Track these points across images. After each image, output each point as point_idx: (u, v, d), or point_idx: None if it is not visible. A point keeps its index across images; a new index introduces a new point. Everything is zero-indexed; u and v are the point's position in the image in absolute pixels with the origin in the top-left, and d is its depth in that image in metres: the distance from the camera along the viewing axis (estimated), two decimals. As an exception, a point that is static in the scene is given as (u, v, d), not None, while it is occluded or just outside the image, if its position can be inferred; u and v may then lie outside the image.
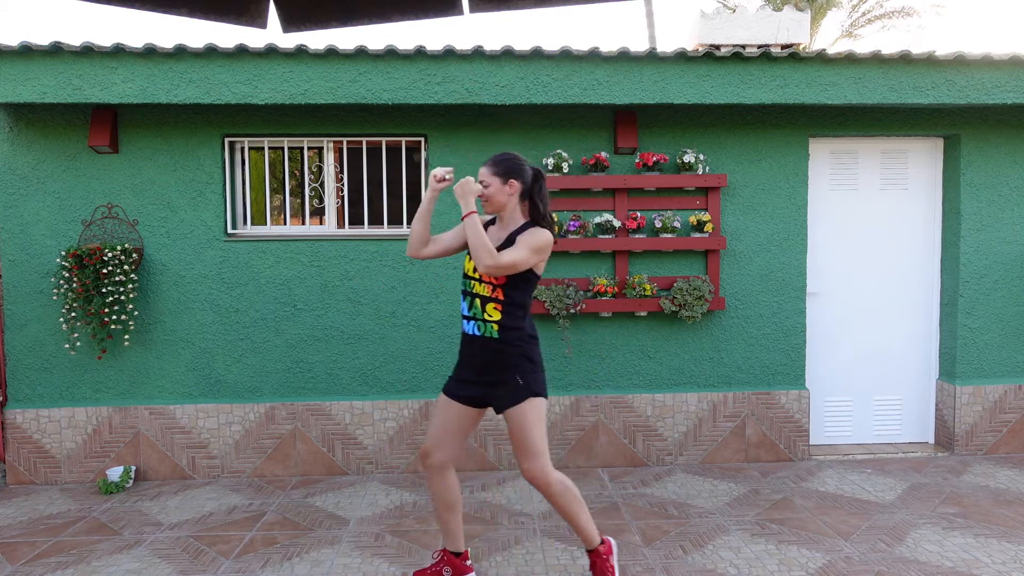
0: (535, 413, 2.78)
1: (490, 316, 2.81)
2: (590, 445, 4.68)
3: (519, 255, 2.71)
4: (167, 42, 6.45)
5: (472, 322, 2.84)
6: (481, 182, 2.83)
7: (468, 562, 3.04)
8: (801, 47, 6.37)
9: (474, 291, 2.83)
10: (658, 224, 4.57)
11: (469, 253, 2.77)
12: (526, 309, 2.87)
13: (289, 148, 4.73)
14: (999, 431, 4.83)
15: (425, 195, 2.88)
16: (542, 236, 2.77)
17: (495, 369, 2.81)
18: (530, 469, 2.76)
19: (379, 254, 4.59)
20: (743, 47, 5.60)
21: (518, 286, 2.81)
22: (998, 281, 4.80)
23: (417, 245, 2.92)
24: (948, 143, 4.88)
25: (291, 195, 4.82)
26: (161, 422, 4.52)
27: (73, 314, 4.29)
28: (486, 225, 2.95)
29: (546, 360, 4.64)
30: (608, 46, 4.88)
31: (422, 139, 4.68)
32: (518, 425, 2.76)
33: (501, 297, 2.79)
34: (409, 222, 4.77)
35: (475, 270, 2.81)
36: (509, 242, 2.80)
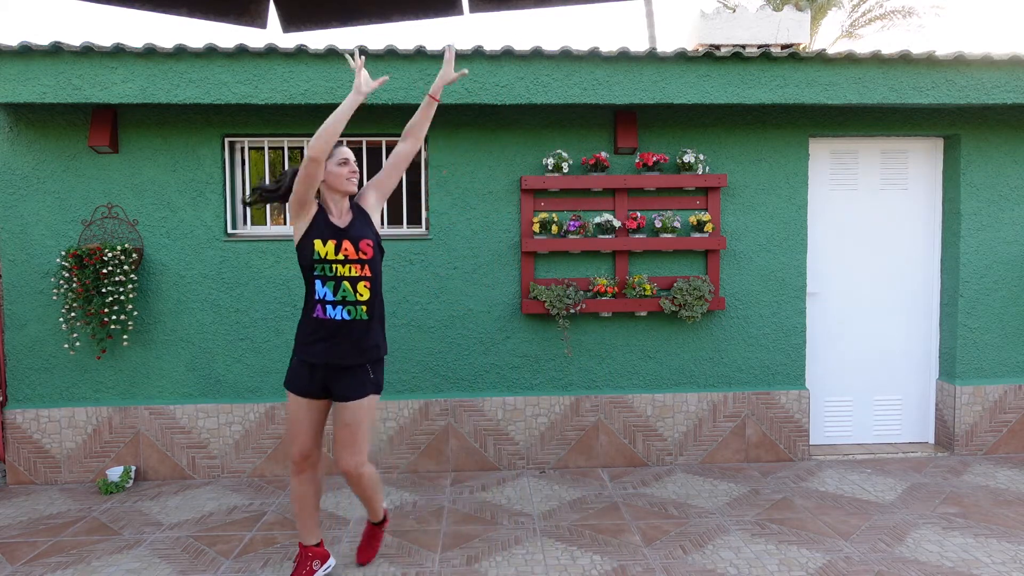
0: (373, 409, 2.91)
1: (361, 296, 2.81)
2: (590, 445, 4.68)
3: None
4: (167, 42, 6.45)
5: (340, 307, 2.79)
6: (351, 159, 2.88)
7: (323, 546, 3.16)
8: (801, 47, 6.37)
9: (339, 274, 2.79)
10: (658, 224, 4.57)
11: (316, 239, 2.77)
12: (381, 285, 2.93)
13: (289, 148, 4.73)
14: (999, 431, 4.83)
15: (349, 102, 2.73)
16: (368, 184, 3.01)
17: (352, 354, 2.82)
18: (353, 463, 2.85)
19: (379, 254, 4.58)
20: (743, 47, 5.60)
21: (378, 257, 2.88)
22: (998, 281, 4.80)
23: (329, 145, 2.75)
24: (948, 143, 4.88)
25: (291, 195, 4.81)
26: (161, 422, 4.52)
27: (73, 314, 4.29)
28: (320, 217, 2.86)
29: (546, 360, 4.66)
30: (608, 46, 4.89)
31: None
32: (354, 418, 2.83)
33: (369, 274, 2.83)
34: (409, 222, 4.77)
35: (338, 251, 2.78)
36: (360, 215, 2.89)
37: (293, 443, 2.91)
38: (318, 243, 2.78)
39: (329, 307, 2.79)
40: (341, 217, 2.86)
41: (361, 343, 2.84)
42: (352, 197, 2.93)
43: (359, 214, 2.90)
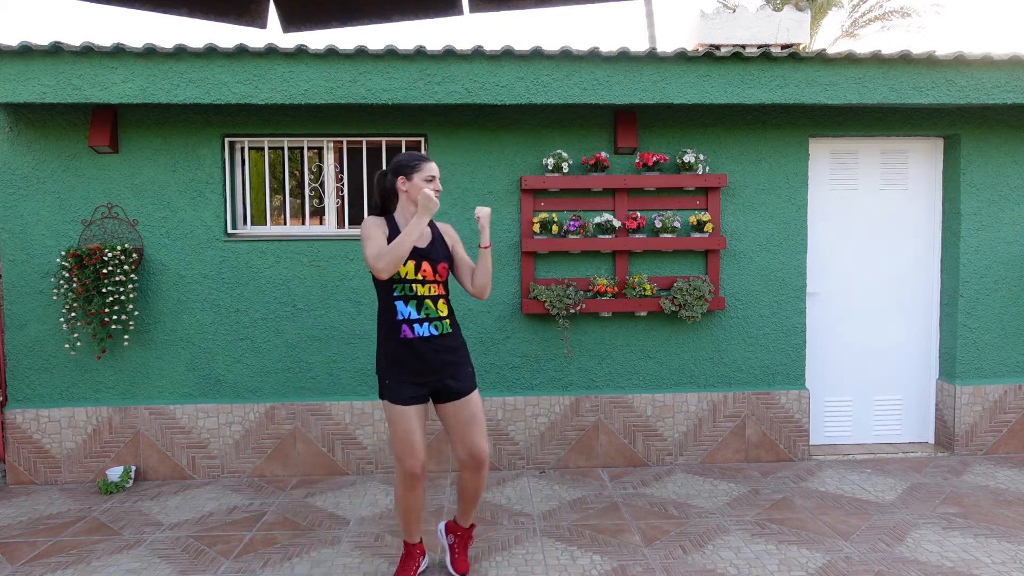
0: (479, 399, 3.01)
1: (442, 312, 2.94)
2: (590, 445, 4.68)
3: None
4: (167, 42, 6.45)
5: (427, 324, 2.88)
6: (436, 177, 2.93)
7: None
8: (801, 47, 6.37)
9: (419, 293, 2.88)
10: (658, 224, 4.57)
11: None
12: None
13: (289, 148, 4.73)
14: (999, 431, 4.83)
15: (414, 226, 2.75)
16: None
17: (453, 361, 2.93)
18: (485, 446, 2.95)
19: (379, 254, 4.58)
20: (743, 47, 5.61)
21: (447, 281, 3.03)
22: (998, 281, 4.80)
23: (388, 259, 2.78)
24: (948, 143, 4.88)
25: (291, 195, 4.82)
26: (161, 422, 4.52)
27: (73, 314, 4.29)
28: (397, 229, 2.90)
29: (546, 360, 4.66)
30: (608, 46, 4.89)
31: (422, 139, 4.68)
32: (476, 407, 2.95)
33: (444, 293, 2.98)
34: (409, 222, 4.76)
35: (417, 272, 2.85)
36: (438, 239, 3.00)
37: (411, 456, 2.86)
38: (401, 266, 2.81)
39: (417, 325, 2.87)
40: (421, 237, 2.83)
41: (455, 351, 2.95)
42: (432, 223, 3.02)
43: (439, 238, 3.00)
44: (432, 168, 2.91)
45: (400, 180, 2.92)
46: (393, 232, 2.88)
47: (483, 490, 3.08)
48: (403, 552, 3.13)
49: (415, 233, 2.72)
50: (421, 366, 2.86)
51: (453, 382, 2.92)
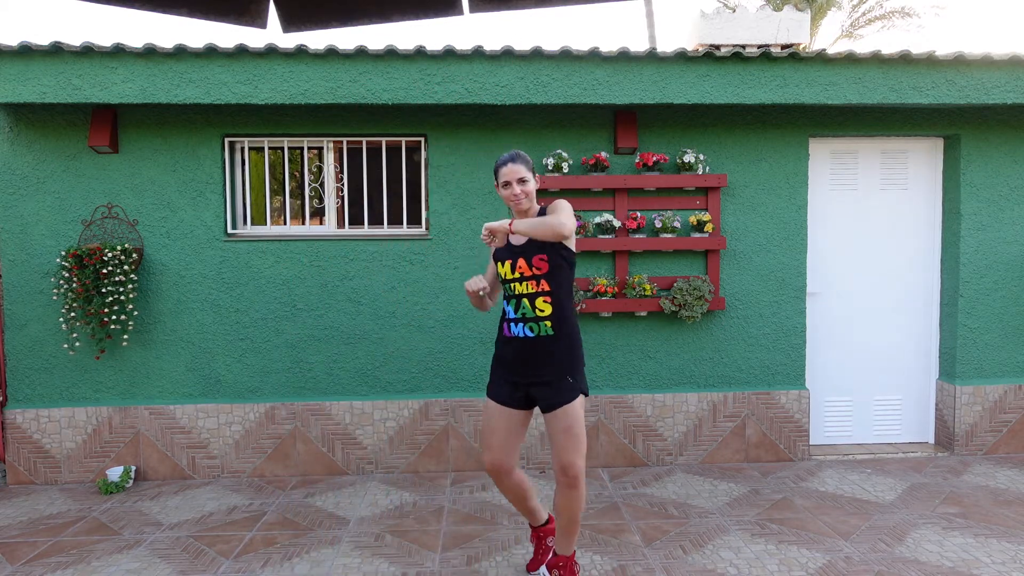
0: (582, 411, 2.80)
1: (541, 312, 2.77)
2: (590, 445, 4.68)
3: (565, 216, 2.68)
4: (167, 42, 6.45)
5: (521, 324, 2.79)
6: (523, 179, 2.82)
7: (551, 524, 3.14)
8: (801, 47, 6.37)
9: (517, 292, 2.79)
10: (658, 224, 4.57)
11: (498, 260, 2.85)
12: (572, 298, 2.86)
13: (289, 148, 4.73)
14: (999, 431, 4.83)
15: (473, 299, 2.85)
16: (560, 200, 2.80)
17: (548, 369, 2.77)
18: (577, 465, 2.73)
19: (379, 254, 4.59)
20: (743, 47, 5.61)
21: (562, 270, 2.79)
22: (998, 281, 4.80)
23: (484, 307, 2.91)
24: (948, 143, 4.88)
25: (291, 195, 4.82)
26: (161, 422, 4.52)
27: (73, 314, 4.29)
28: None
29: (546, 360, 4.64)
30: (608, 46, 4.89)
31: (422, 139, 4.68)
32: (566, 423, 2.73)
33: (548, 288, 2.76)
34: (409, 222, 4.77)
35: (514, 270, 2.79)
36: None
37: (486, 450, 2.88)
38: (499, 264, 2.85)
39: (512, 324, 2.82)
40: (517, 236, 2.85)
41: (553, 357, 2.78)
42: (543, 211, 2.88)
43: None
44: (503, 173, 2.82)
45: (496, 187, 2.93)
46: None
47: (575, 515, 2.82)
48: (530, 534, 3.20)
49: (474, 302, 2.83)
50: (514, 365, 2.82)
51: (543, 394, 2.78)
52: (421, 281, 4.60)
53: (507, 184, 2.82)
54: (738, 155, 4.69)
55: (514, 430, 2.87)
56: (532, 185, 2.86)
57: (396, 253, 4.59)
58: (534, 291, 2.77)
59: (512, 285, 2.81)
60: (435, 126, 4.58)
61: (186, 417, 4.53)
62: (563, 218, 2.64)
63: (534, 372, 2.78)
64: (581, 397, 2.81)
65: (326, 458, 4.59)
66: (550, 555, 3.08)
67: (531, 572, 3.13)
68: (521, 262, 2.78)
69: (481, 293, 2.79)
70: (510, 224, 2.70)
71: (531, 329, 2.77)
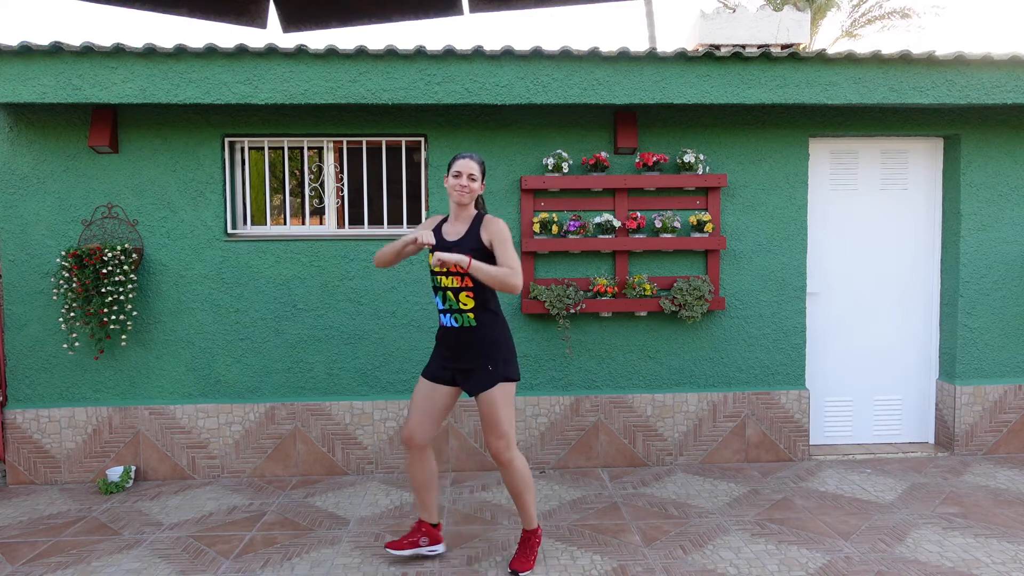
0: (504, 396, 3.03)
1: (465, 305, 3.03)
2: (590, 445, 4.68)
3: (516, 268, 2.96)
4: (167, 42, 6.45)
5: (448, 315, 3.06)
6: (472, 176, 3.04)
7: (441, 532, 3.35)
8: (801, 47, 6.37)
9: (443, 285, 3.03)
10: (658, 224, 4.57)
11: (431, 254, 2.96)
12: (495, 292, 3.11)
13: (289, 148, 4.73)
14: (999, 431, 4.83)
15: (397, 244, 3.03)
16: (503, 224, 3.05)
17: (471, 356, 3.04)
18: (496, 446, 3.02)
19: (379, 254, 4.58)
20: (743, 47, 5.61)
21: None
22: (998, 281, 4.80)
23: (384, 264, 3.14)
24: (948, 143, 4.88)
25: (291, 195, 4.82)
26: (161, 422, 4.52)
27: (72, 314, 4.29)
28: (439, 225, 3.17)
29: (546, 360, 4.65)
30: (608, 46, 4.89)
31: (422, 139, 4.68)
32: (489, 407, 3.01)
33: (471, 284, 3.01)
34: (409, 222, 4.77)
35: (442, 265, 2.96)
36: (471, 234, 3.04)
37: (404, 425, 3.12)
38: (430, 258, 2.96)
39: (443, 316, 3.08)
40: (454, 229, 3.09)
41: (475, 346, 3.04)
42: (478, 224, 3.07)
43: (474, 232, 3.05)
44: (459, 164, 3.03)
45: (445, 178, 3.14)
46: (439, 226, 3.15)
47: (518, 491, 3.09)
48: (413, 527, 3.32)
49: (396, 246, 3.02)
50: (444, 352, 3.11)
51: (466, 380, 3.07)
52: (421, 281, 4.60)
53: (458, 175, 3.02)
54: (738, 155, 4.69)
55: (434, 406, 3.11)
56: (478, 187, 3.07)
57: (396, 253, 4.59)
58: (458, 286, 3.01)
59: (439, 278, 3.04)
60: (435, 126, 4.58)
61: (186, 417, 4.53)
62: (515, 278, 2.92)
63: (460, 359, 3.06)
64: (503, 384, 3.03)
65: (326, 458, 4.60)
66: (421, 539, 3.28)
67: (395, 550, 3.24)
68: None
69: (415, 251, 3.03)
70: (468, 264, 2.88)
71: (456, 320, 3.04)
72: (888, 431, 5.02)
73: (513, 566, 3.14)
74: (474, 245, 3.00)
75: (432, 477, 3.22)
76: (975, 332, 4.80)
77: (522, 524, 3.27)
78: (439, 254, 2.88)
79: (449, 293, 3.02)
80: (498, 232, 3.00)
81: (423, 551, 3.27)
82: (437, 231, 3.13)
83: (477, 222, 3.08)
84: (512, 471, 3.05)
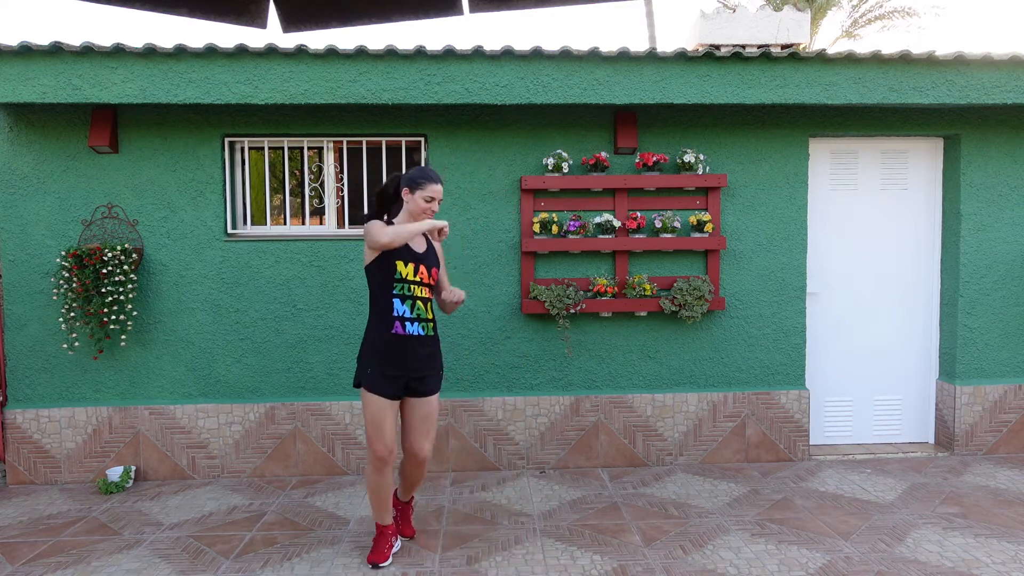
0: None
1: (429, 316, 3.22)
2: (590, 445, 4.68)
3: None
4: (167, 42, 6.45)
5: (417, 323, 3.15)
6: (439, 201, 3.22)
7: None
8: (801, 47, 6.37)
9: (415, 295, 3.15)
10: (658, 224, 4.57)
11: (399, 259, 3.10)
12: None
13: (289, 148, 4.73)
14: (999, 431, 4.83)
15: (418, 226, 3.08)
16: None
17: (432, 364, 3.22)
18: (429, 449, 3.26)
19: (379, 254, 4.58)
20: (743, 47, 5.61)
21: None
22: (998, 281, 4.80)
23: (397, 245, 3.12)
24: (948, 143, 4.88)
25: (291, 195, 4.82)
26: (161, 422, 4.52)
27: (72, 314, 4.29)
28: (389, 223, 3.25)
29: (546, 360, 4.66)
30: (608, 46, 4.89)
31: (422, 139, 4.68)
32: (431, 410, 3.24)
33: (431, 296, 3.25)
34: (409, 222, 4.76)
35: (415, 274, 3.14)
36: (431, 248, 3.29)
37: (379, 441, 3.12)
38: (400, 264, 3.10)
39: (408, 324, 3.13)
40: (417, 244, 3.21)
41: (435, 354, 3.25)
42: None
43: (431, 248, 3.28)
44: (434, 190, 3.15)
45: (405, 190, 3.18)
46: None
47: (422, 480, 3.42)
48: (376, 533, 3.33)
49: (416, 230, 3.03)
50: (403, 361, 3.12)
51: (421, 384, 3.20)
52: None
53: (431, 199, 3.16)
54: (738, 155, 4.69)
55: (396, 419, 3.22)
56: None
57: (396, 253, 4.59)
58: (427, 296, 3.20)
59: (411, 286, 3.14)
60: (435, 126, 4.58)
61: (186, 417, 4.53)
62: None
63: (421, 366, 3.17)
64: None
65: (326, 458, 4.60)
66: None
67: (380, 563, 3.27)
68: (423, 269, 3.17)
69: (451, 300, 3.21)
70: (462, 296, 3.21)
71: (423, 328, 3.17)
72: (888, 431, 5.02)
73: (407, 533, 3.49)
74: (437, 260, 3.27)
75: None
76: (975, 332, 4.80)
77: (403, 498, 3.49)
78: (462, 294, 3.19)
79: (419, 303, 3.15)
80: (441, 249, 3.35)
81: (396, 548, 3.37)
82: (405, 248, 3.15)
83: (428, 239, 3.28)
84: (426, 467, 3.33)
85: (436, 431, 3.22)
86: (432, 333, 3.21)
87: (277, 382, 4.59)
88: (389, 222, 3.22)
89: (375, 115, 4.55)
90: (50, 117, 4.44)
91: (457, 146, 4.59)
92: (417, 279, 3.13)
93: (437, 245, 3.33)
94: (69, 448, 4.50)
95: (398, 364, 3.11)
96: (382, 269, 3.11)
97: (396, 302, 3.11)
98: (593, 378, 4.70)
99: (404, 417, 3.26)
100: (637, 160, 4.55)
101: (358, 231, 4.70)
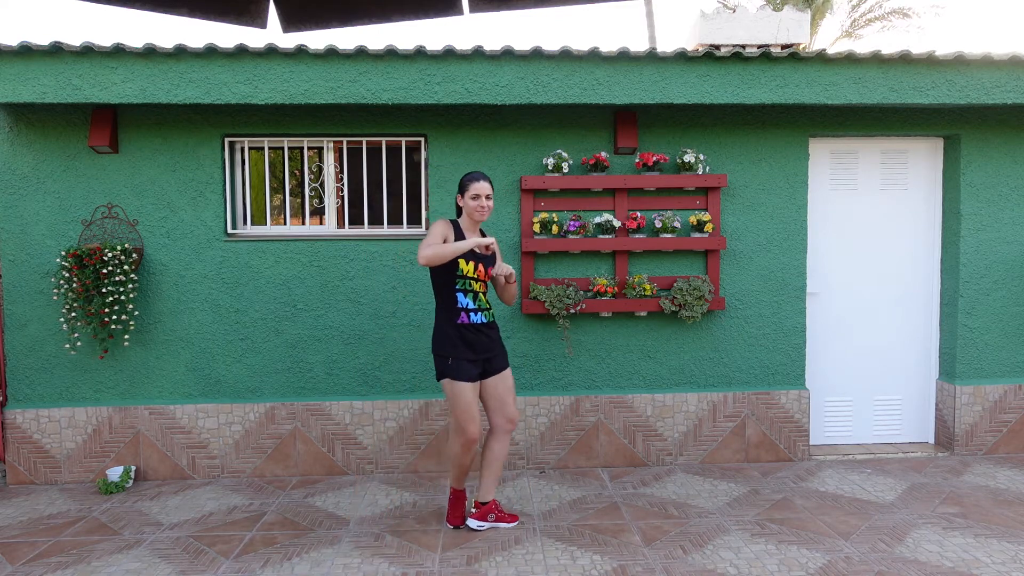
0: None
1: (488, 304, 3.59)
2: (590, 445, 4.68)
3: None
4: (167, 42, 6.45)
5: (480, 313, 3.51)
6: (489, 196, 3.51)
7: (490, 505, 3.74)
8: (801, 47, 6.37)
9: (475, 289, 3.51)
10: (658, 224, 4.57)
11: (464, 258, 3.43)
12: None
13: (289, 148, 4.73)
14: (999, 431, 4.83)
15: (463, 245, 3.37)
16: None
17: (498, 344, 3.61)
18: (515, 419, 3.62)
19: (379, 254, 4.59)
20: (743, 47, 5.61)
21: None
22: (998, 281, 4.80)
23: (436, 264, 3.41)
24: (948, 143, 4.88)
25: (291, 195, 4.82)
26: (161, 422, 4.52)
27: (73, 314, 4.29)
28: (460, 233, 3.55)
29: (546, 360, 4.67)
30: (608, 46, 4.89)
31: (422, 139, 4.68)
32: (511, 379, 3.63)
33: (485, 290, 3.59)
34: (409, 222, 4.77)
35: (475, 271, 3.47)
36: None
37: (473, 424, 3.46)
38: (462, 262, 3.43)
39: (473, 314, 3.49)
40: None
41: (497, 337, 3.63)
42: (482, 231, 3.66)
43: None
44: (477, 187, 3.47)
45: (458, 197, 3.56)
46: (456, 233, 3.51)
47: (501, 459, 3.64)
48: (451, 497, 3.70)
49: (460, 249, 3.35)
50: (474, 346, 3.47)
51: (492, 363, 3.55)
52: (421, 281, 4.60)
53: (477, 196, 3.48)
54: (738, 155, 4.69)
55: (477, 402, 3.53)
56: (491, 204, 3.54)
57: (396, 253, 4.59)
58: (483, 290, 3.57)
59: (470, 282, 3.50)
60: (435, 126, 4.58)
61: (186, 417, 4.53)
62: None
63: (491, 349, 3.55)
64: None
65: (326, 458, 4.60)
66: (478, 518, 3.69)
67: (457, 525, 3.68)
68: (481, 267, 3.52)
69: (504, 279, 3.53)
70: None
71: (486, 316, 3.55)
72: (888, 431, 5.02)
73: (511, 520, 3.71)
74: (492, 258, 3.58)
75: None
76: (975, 332, 4.80)
77: (485, 499, 3.67)
78: (490, 240, 3.42)
79: (480, 295, 3.53)
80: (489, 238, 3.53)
81: (492, 525, 3.67)
82: (461, 238, 3.51)
83: (484, 236, 3.63)
84: (508, 437, 3.64)
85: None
86: (492, 319, 3.58)
87: (277, 382, 4.59)
88: (456, 223, 3.55)
89: (375, 115, 4.55)
90: (50, 117, 4.44)
91: (457, 146, 4.59)
92: (475, 276, 3.49)
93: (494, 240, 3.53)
94: (69, 448, 4.50)
95: (471, 349, 3.46)
96: (447, 267, 3.44)
97: (460, 295, 3.47)
98: (593, 378, 4.70)
99: (488, 395, 3.58)
100: (637, 160, 4.55)
101: (358, 231, 4.70)
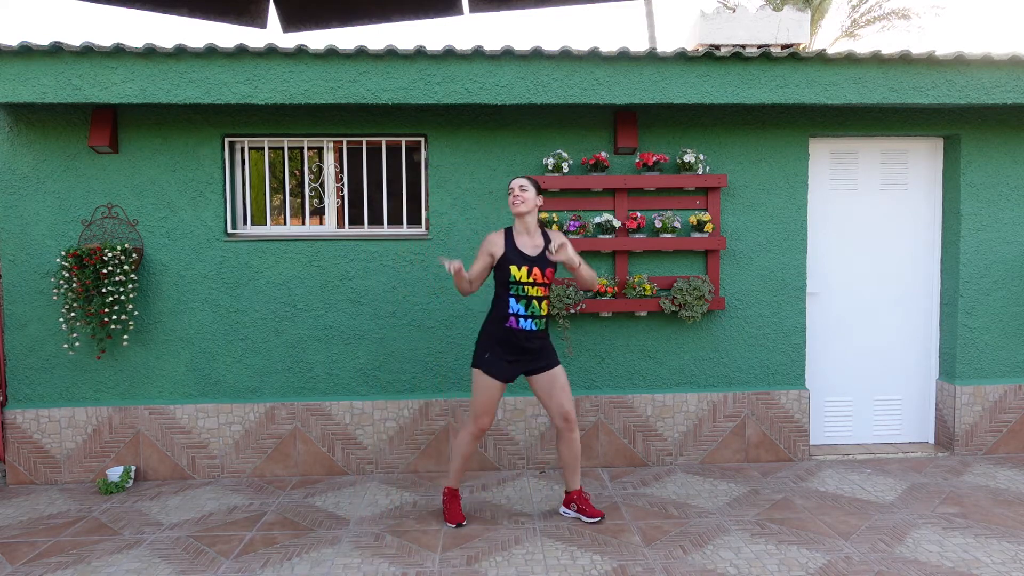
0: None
1: (543, 312, 3.58)
2: (590, 445, 4.68)
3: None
4: (167, 42, 6.45)
5: (530, 320, 3.53)
6: (523, 187, 3.52)
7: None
8: (801, 47, 6.37)
9: (530, 295, 3.52)
10: (658, 224, 4.57)
11: (512, 264, 3.48)
12: None
13: (289, 148, 4.73)
14: (999, 431, 4.83)
15: (469, 273, 3.50)
16: (562, 234, 3.64)
17: (544, 353, 3.61)
18: (573, 409, 3.63)
19: (379, 254, 4.59)
20: (743, 47, 5.61)
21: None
22: (998, 281, 4.80)
23: (466, 292, 3.54)
24: (948, 143, 4.88)
25: (291, 195, 4.82)
26: (161, 422, 4.52)
27: (73, 314, 4.29)
28: (512, 239, 3.56)
29: (546, 360, 4.66)
30: (608, 46, 4.89)
31: (422, 139, 4.68)
32: (564, 376, 3.63)
33: (547, 295, 3.59)
34: (409, 222, 4.77)
35: (529, 275, 3.49)
36: (546, 242, 3.59)
37: (484, 415, 3.57)
38: (514, 268, 3.49)
39: (522, 320, 3.53)
40: (532, 244, 3.57)
41: (545, 345, 3.63)
42: (545, 237, 3.63)
43: (546, 249, 3.56)
44: (511, 184, 3.54)
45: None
46: (507, 238, 3.55)
47: (579, 452, 3.69)
48: (446, 496, 3.77)
49: (463, 281, 3.43)
50: (517, 350, 3.54)
51: (536, 364, 3.59)
52: (421, 281, 4.61)
53: (511, 191, 3.53)
54: (738, 155, 4.69)
55: (497, 400, 3.61)
56: (530, 196, 3.53)
57: (396, 253, 4.59)
58: (542, 295, 3.55)
59: (525, 287, 3.50)
60: (435, 126, 4.58)
61: (186, 417, 4.53)
62: (595, 276, 3.62)
63: (535, 355, 3.58)
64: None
65: (326, 458, 4.60)
66: (566, 503, 3.85)
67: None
68: (536, 271, 3.50)
69: (465, 275, 3.42)
70: (580, 263, 3.48)
71: (535, 324, 3.55)
72: (888, 431, 5.02)
73: (595, 515, 3.73)
74: (551, 260, 3.52)
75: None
76: (975, 332, 4.80)
77: (573, 487, 3.77)
78: (568, 242, 3.40)
79: (534, 301, 3.52)
80: (561, 238, 3.42)
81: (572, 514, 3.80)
82: (512, 245, 3.53)
83: (546, 238, 3.61)
84: (577, 434, 3.64)
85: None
86: (543, 328, 3.59)
87: (277, 382, 4.59)
88: (509, 231, 3.60)
89: (375, 115, 4.55)
90: (50, 117, 4.44)
91: (457, 146, 4.59)
92: (531, 280, 3.50)
93: (558, 238, 3.44)
94: (69, 448, 4.50)
95: (510, 351, 3.54)
96: (500, 272, 3.52)
97: (512, 300, 3.52)
98: (593, 378, 4.70)
99: (543, 392, 3.61)
100: (637, 160, 4.55)
101: (358, 231, 4.70)
